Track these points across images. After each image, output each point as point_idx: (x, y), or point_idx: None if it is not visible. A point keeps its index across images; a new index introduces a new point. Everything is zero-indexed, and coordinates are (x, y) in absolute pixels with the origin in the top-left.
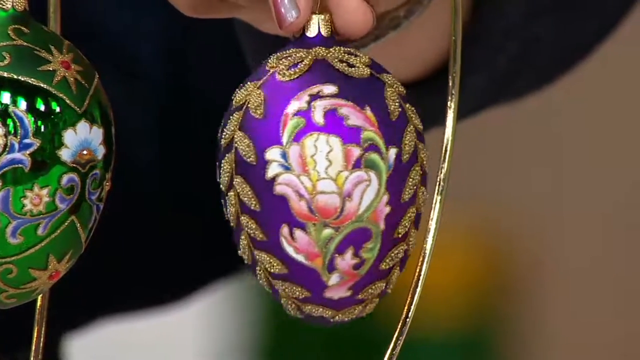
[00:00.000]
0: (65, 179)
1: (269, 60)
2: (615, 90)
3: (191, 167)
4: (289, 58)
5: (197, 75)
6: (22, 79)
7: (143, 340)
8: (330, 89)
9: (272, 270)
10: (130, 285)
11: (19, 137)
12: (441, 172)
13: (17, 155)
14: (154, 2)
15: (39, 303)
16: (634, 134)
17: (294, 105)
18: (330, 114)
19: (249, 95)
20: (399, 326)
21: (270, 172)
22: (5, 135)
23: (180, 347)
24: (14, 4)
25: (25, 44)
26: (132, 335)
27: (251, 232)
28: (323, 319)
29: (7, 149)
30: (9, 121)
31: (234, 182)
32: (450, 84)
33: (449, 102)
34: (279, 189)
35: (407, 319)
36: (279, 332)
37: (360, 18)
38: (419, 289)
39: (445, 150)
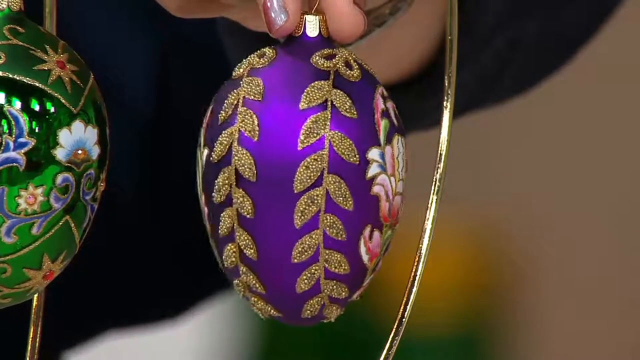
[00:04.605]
0: (60, 178)
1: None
2: (611, 90)
3: (185, 187)
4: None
5: (181, 99)
6: (17, 79)
7: (138, 350)
8: (383, 89)
9: (336, 271)
10: (131, 301)
11: (13, 136)
12: (437, 172)
13: (12, 154)
14: (145, 26)
15: (34, 303)
16: (631, 135)
17: (380, 105)
18: (396, 114)
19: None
20: (395, 326)
21: (370, 172)
22: (0, 135)
23: (171, 350)
24: (10, 3)
25: (20, 43)
26: (128, 346)
27: (333, 231)
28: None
29: (1, 148)
30: (4, 121)
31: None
32: (446, 83)
33: (444, 102)
34: (376, 189)
35: (403, 319)
36: (274, 331)
37: (351, 22)
38: (414, 289)
39: (441, 151)
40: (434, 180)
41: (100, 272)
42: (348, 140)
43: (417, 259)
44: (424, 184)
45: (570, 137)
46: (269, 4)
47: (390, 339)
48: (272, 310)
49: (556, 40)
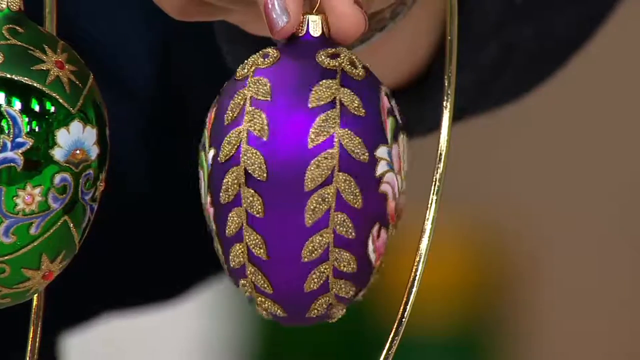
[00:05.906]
0: (58, 178)
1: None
2: (610, 90)
3: (186, 186)
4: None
5: (184, 98)
6: (16, 79)
7: (134, 338)
8: (387, 88)
9: (345, 270)
10: (130, 281)
11: (11, 136)
12: (437, 173)
13: (9, 154)
14: (147, 21)
15: (34, 303)
16: (630, 133)
17: (386, 104)
18: (400, 112)
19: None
20: (395, 326)
21: (379, 170)
22: None
23: (171, 345)
24: (9, 3)
25: (19, 43)
26: (124, 333)
27: (342, 229)
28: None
29: None
30: (3, 121)
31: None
32: (446, 84)
33: (444, 102)
34: (383, 187)
35: (403, 319)
36: (274, 331)
37: (352, 22)
38: (414, 289)
39: (441, 151)
40: (434, 180)
41: (101, 272)
42: (357, 138)
43: (417, 259)
44: (424, 184)
45: (571, 138)
46: (270, 6)
47: (390, 339)
48: (278, 311)
49: (553, 43)
